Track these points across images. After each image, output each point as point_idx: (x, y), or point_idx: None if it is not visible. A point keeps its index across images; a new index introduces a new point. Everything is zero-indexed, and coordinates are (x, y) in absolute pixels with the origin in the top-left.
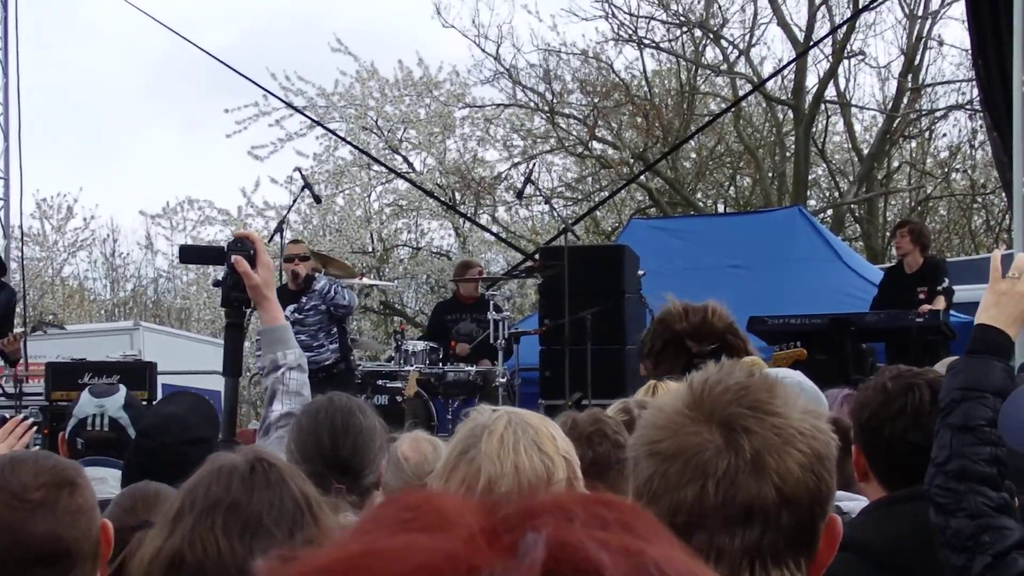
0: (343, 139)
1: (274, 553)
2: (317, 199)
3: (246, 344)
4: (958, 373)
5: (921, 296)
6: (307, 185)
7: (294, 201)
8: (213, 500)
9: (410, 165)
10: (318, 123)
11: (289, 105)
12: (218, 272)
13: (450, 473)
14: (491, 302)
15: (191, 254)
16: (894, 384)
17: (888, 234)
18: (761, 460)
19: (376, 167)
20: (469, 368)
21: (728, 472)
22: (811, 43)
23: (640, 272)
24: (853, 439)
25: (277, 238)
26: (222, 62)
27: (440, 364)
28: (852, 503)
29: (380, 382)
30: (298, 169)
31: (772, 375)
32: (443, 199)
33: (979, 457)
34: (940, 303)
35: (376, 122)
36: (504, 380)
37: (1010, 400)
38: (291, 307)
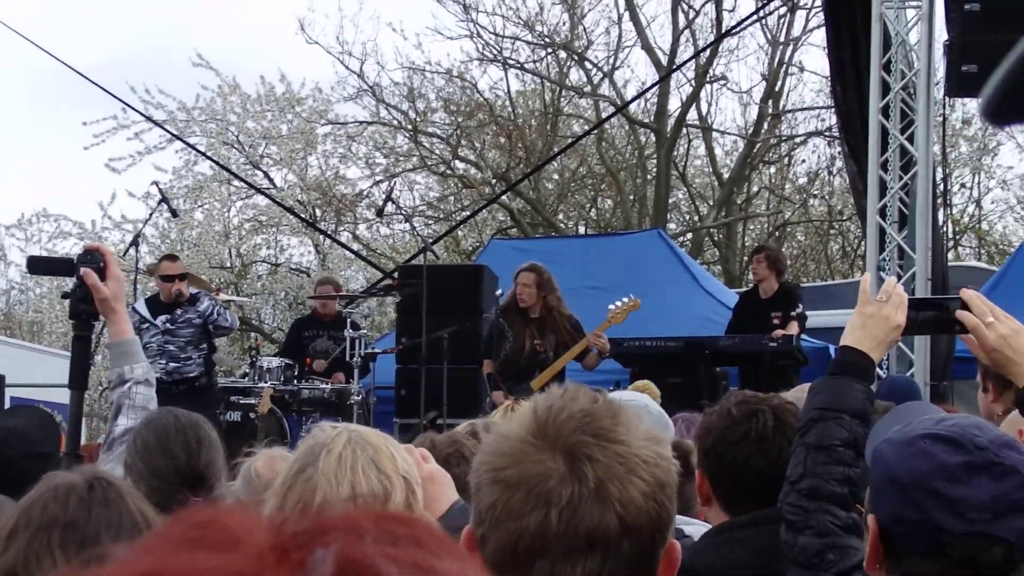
0: (202, 153)
1: (55, 572)
2: (174, 213)
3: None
4: (818, 393)
5: (775, 321)
6: (164, 199)
7: (151, 215)
8: (50, 518)
9: (271, 181)
10: (177, 137)
11: (148, 119)
12: (68, 284)
13: (287, 492)
14: (349, 320)
15: (40, 265)
16: (739, 410)
17: (746, 259)
18: (604, 489)
19: (236, 182)
20: (324, 385)
21: (571, 501)
22: (674, 67)
23: (498, 292)
24: (696, 463)
25: (132, 251)
26: (79, 73)
27: (295, 381)
28: (692, 527)
29: (234, 398)
30: (155, 183)
31: (616, 400)
32: (303, 216)
33: (831, 477)
34: (793, 328)
35: (237, 137)
36: (359, 398)
37: (875, 427)
38: (163, 317)
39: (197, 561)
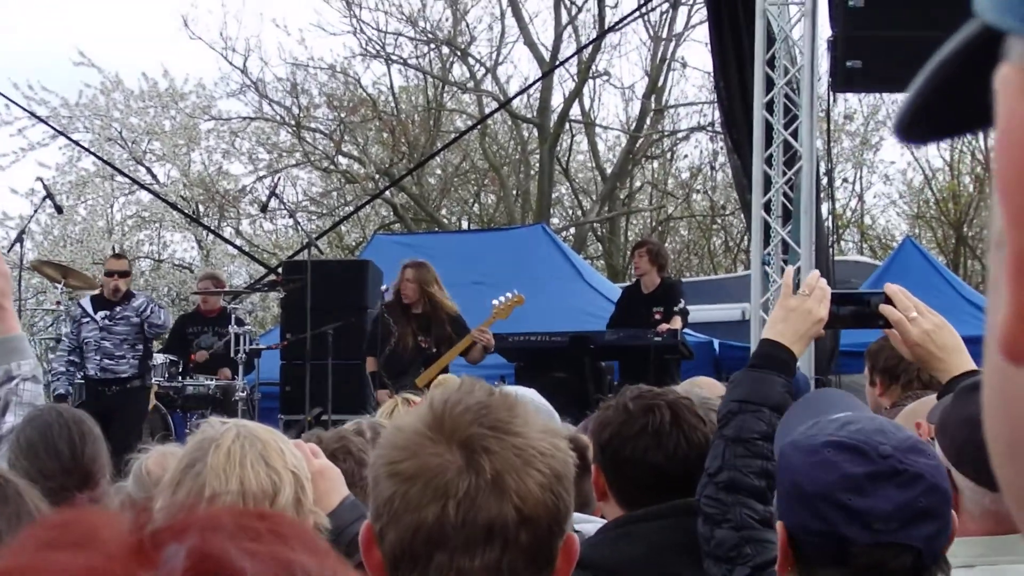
0: (86, 149)
1: None
2: (59, 209)
3: None
4: (738, 386)
5: (657, 316)
6: (48, 195)
7: (35, 211)
8: None
9: (154, 177)
10: (61, 133)
11: (32, 115)
12: None
13: (176, 487)
14: (233, 315)
15: None
16: (635, 404)
17: (629, 253)
18: (501, 481)
19: (119, 178)
20: (209, 382)
21: (469, 493)
22: (556, 63)
23: (383, 288)
24: (592, 458)
25: (17, 248)
26: None
27: (180, 377)
28: (588, 525)
29: None
30: (40, 179)
31: (511, 393)
32: (186, 211)
33: (749, 470)
34: (676, 323)
35: (120, 133)
36: (244, 394)
37: (787, 412)
38: (103, 313)
39: (51, 560)
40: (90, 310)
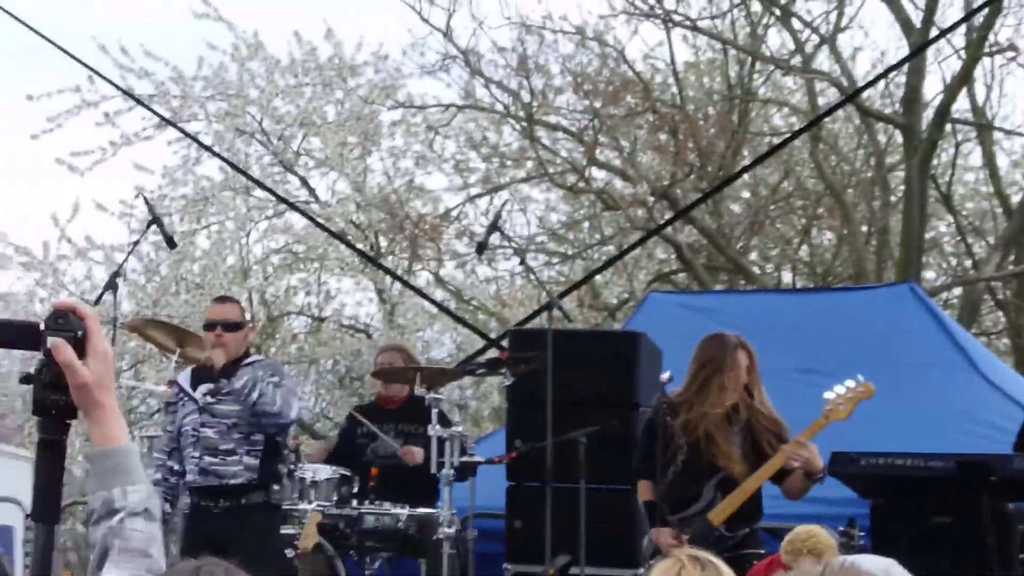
0: (208, 148)
1: None
2: (170, 242)
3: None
4: None
5: None
6: (155, 218)
7: (135, 243)
8: None
9: (311, 191)
10: (170, 123)
11: (126, 93)
12: (28, 361)
13: None
14: (433, 410)
15: None
16: None
17: None
18: None
19: (259, 193)
20: (399, 511)
21: None
22: (933, 33)
23: (664, 376)
24: None
25: (109, 296)
26: (19, 20)
27: (355, 501)
28: None
29: None
30: (140, 193)
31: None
32: (360, 247)
33: None
34: None
35: (260, 123)
36: (452, 531)
37: None
38: (205, 387)
39: None
40: (187, 385)
